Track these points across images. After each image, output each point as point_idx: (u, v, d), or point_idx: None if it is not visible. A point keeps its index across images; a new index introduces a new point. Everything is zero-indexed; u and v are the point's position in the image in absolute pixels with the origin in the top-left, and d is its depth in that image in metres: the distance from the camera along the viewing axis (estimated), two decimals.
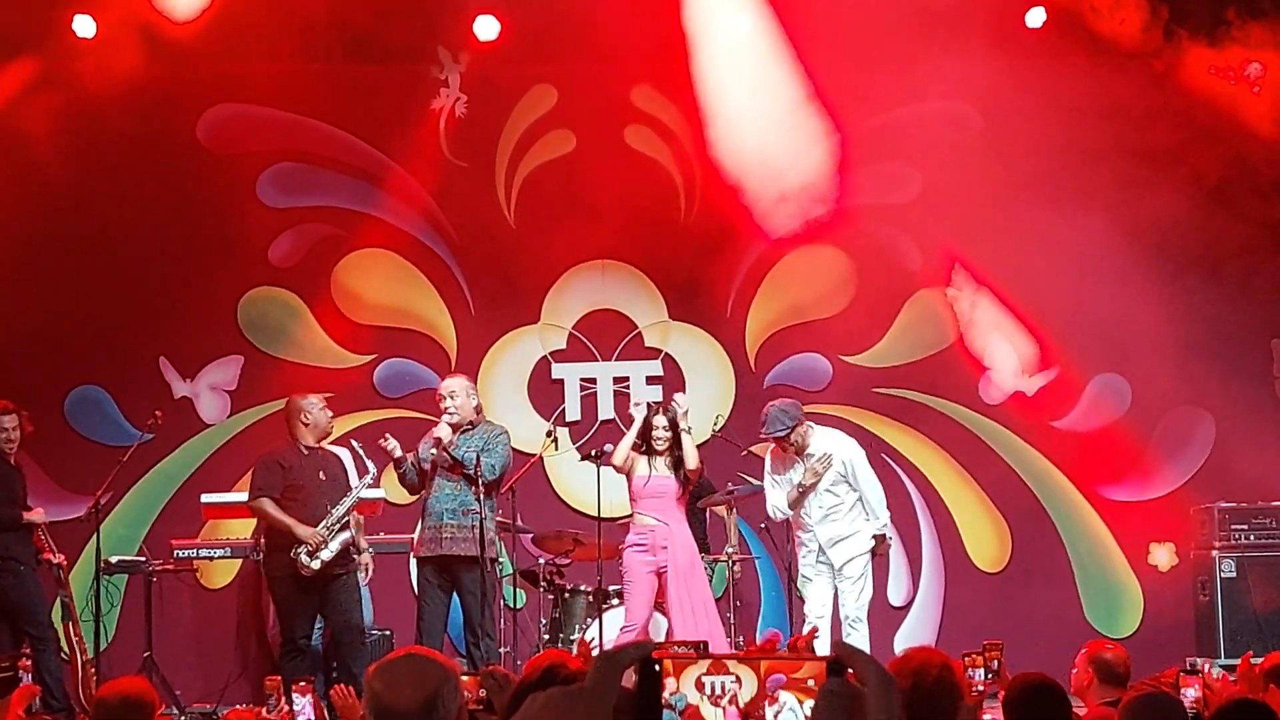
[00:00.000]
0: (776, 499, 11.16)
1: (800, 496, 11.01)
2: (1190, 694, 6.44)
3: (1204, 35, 12.45)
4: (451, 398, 10.98)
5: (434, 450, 10.86)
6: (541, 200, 13.38)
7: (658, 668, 2.77)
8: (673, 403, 11.18)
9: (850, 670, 2.85)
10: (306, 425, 10.70)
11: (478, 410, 11.09)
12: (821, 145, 12.82)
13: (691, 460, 10.95)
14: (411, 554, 11.67)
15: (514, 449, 11.90)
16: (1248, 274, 13.03)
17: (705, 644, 5.10)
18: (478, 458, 10.73)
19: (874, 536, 11.08)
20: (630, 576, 10.94)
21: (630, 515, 11.15)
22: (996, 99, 12.71)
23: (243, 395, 12.99)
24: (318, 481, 10.58)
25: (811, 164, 12.78)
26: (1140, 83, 12.70)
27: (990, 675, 7.22)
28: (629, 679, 2.82)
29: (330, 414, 10.89)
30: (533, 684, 4.78)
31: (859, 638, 10.94)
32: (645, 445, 11.09)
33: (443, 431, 10.89)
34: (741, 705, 2.77)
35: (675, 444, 11.02)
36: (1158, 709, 5.24)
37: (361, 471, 10.77)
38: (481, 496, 10.70)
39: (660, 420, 11.07)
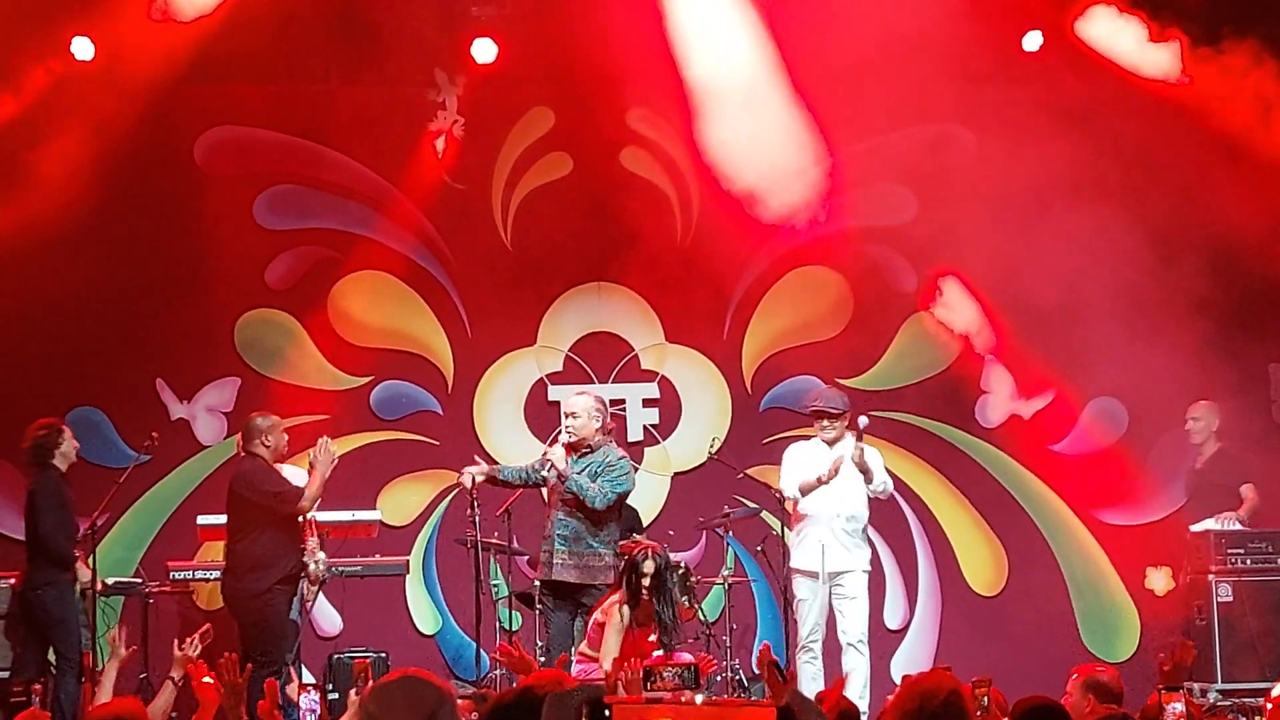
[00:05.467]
0: (793, 479, 11.13)
1: (815, 485, 11.01)
2: (1177, 708, 6.43)
3: (1201, 54, 12.47)
4: (573, 417, 10.75)
5: (547, 473, 10.74)
6: (538, 222, 13.39)
7: (608, 713, 2.79)
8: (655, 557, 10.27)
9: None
10: (268, 448, 10.75)
11: (603, 432, 10.77)
12: (817, 167, 12.83)
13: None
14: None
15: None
16: (1245, 298, 13.03)
17: (696, 667, 5.08)
18: (592, 485, 10.53)
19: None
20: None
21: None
22: (992, 121, 12.73)
23: (239, 417, 12.87)
24: None
25: (807, 185, 12.79)
26: (1138, 106, 12.73)
27: (980, 711, 7.16)
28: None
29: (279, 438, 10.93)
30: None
31: (863, 661, 10.90)
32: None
33: (556, 453, 10.74)
34: None
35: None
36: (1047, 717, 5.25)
37: None
38: (593, 524, 10.62)
39: (648, 566, 10.16)
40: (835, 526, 10.99)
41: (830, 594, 10.99)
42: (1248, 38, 12.41)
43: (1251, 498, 12.32)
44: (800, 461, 11.20)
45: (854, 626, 10.95)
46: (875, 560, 12.92)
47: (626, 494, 10.79)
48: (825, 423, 11.15)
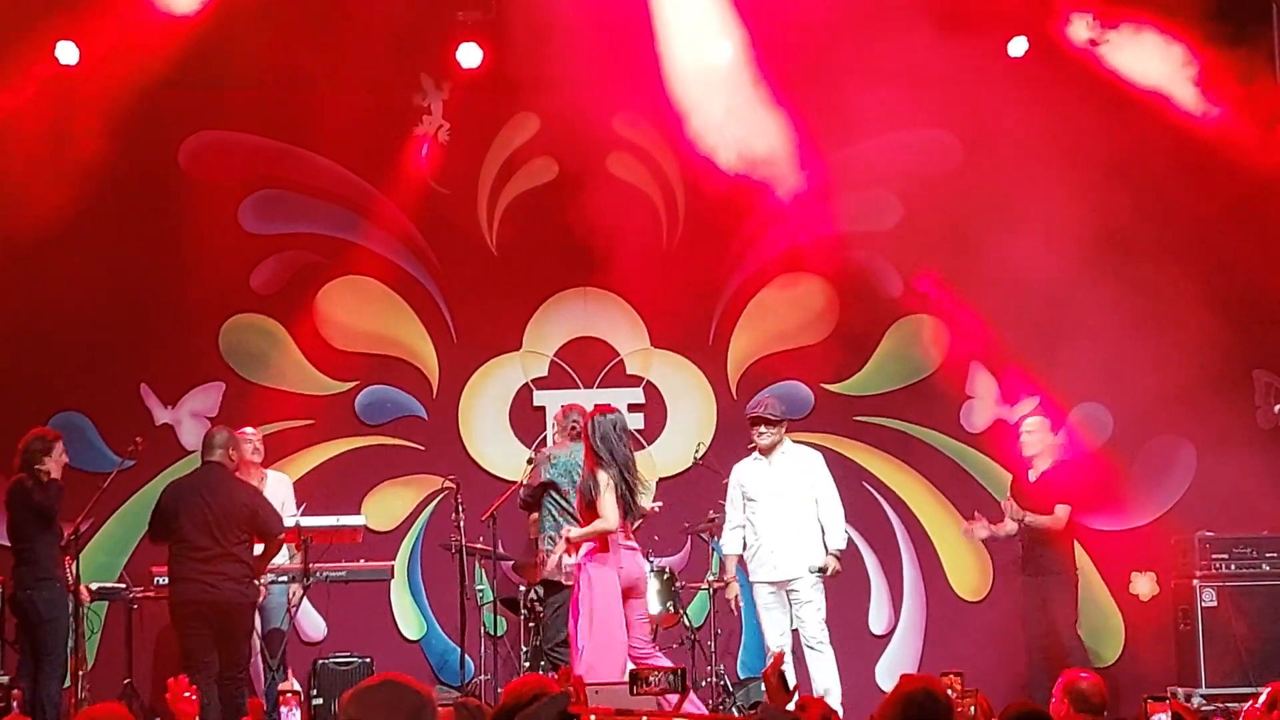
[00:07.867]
0: (732, 533, 11.37)
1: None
2: (1162, 718, 6.41)
3: (1196, 60, 12.49)
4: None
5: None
6: (524, 227, 13.39)
7: None
8: None
9: None
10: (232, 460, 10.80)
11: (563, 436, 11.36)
12: (801, 172, 12.84)
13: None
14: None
15: (493, 475, 12.04)
16: (1229, 303, 13.04)
17: (684, 670, 5.07)
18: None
19: (833, 554, 11.09)
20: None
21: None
22: (978, 127, 12.74)
23: (224, 422, 12.81)
24: None
25: (790, 189, 12.83)
26: (1125, 111, 12.74)
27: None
28: None
29: None
30: (519, 708, 4.77)
31: (824, 659, 10.94)
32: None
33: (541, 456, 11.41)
34: None
35: None
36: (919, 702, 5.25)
37: None
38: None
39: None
40: (783, 535, 11.09)
41: (789, 600, 11.07)
42: (1241, 46, 12.44)
43: (1059, 517, 11.87)
44: (740, 490, 11.36)
45: (812, 630, 11.01)
46: (861, 565, 13.00)
47: (548, 484, 11.12)
48: (761, 429, 11.18)
